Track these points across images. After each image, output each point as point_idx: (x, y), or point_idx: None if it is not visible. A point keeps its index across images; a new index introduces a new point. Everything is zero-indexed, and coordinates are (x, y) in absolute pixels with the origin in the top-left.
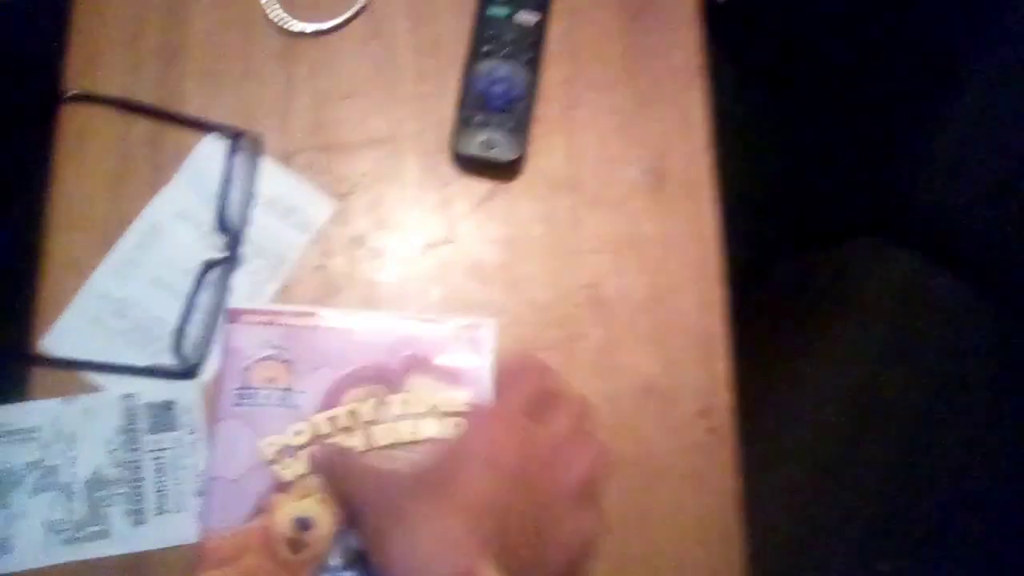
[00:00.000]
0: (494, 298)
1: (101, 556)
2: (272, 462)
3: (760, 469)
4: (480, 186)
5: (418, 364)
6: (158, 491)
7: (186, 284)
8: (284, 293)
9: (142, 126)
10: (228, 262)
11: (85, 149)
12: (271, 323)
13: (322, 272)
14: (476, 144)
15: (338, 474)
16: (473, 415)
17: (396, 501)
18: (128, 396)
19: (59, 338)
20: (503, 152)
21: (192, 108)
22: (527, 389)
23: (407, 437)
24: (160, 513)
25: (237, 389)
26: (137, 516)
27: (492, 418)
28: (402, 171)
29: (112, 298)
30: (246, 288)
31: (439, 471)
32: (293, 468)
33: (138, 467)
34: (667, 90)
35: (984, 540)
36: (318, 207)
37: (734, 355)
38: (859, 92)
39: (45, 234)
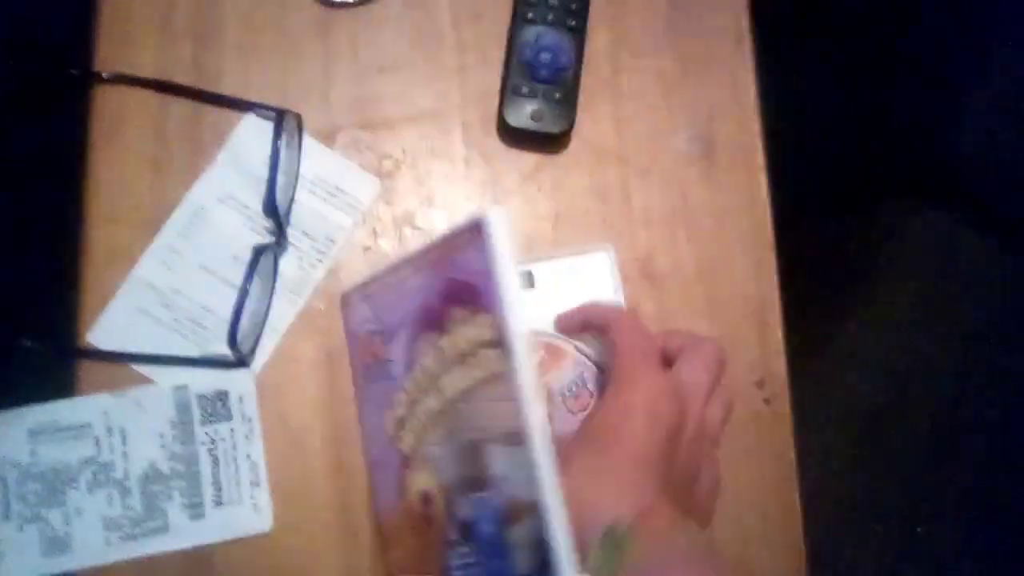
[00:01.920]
0: None
1: (162, 551)
2: (395, 437)
3: (802, 434)
4: (527, 159)
5: (449, 295)
6: (214, 483)
7: (233, 270)
8: (332, 276)
9: (179, 107)
10: (277, 246)
11: (121, 133)
12: (364, 298)
13: (371, 253)
14: (524, 116)
15: None
16: (624, 369)
17: (563, 451)
18: (180, 387)
19: (106, 330)
20: (552, 124)
21: (229, 86)
22: (657, 341)
23: (465, 385)
24: (218, 505)
25: (360, 372)
26: (195, 509)
27: (644, 371)
28: (447, 146)
29: (158, 288)
30: (294, 272)
31: (601, 426)
32: (407, 441)
33: (193, 459)
34: (714, 53)
35: (1019, 502)
36: (363, 186)
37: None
38: (890, 54)
39: (85, 223)
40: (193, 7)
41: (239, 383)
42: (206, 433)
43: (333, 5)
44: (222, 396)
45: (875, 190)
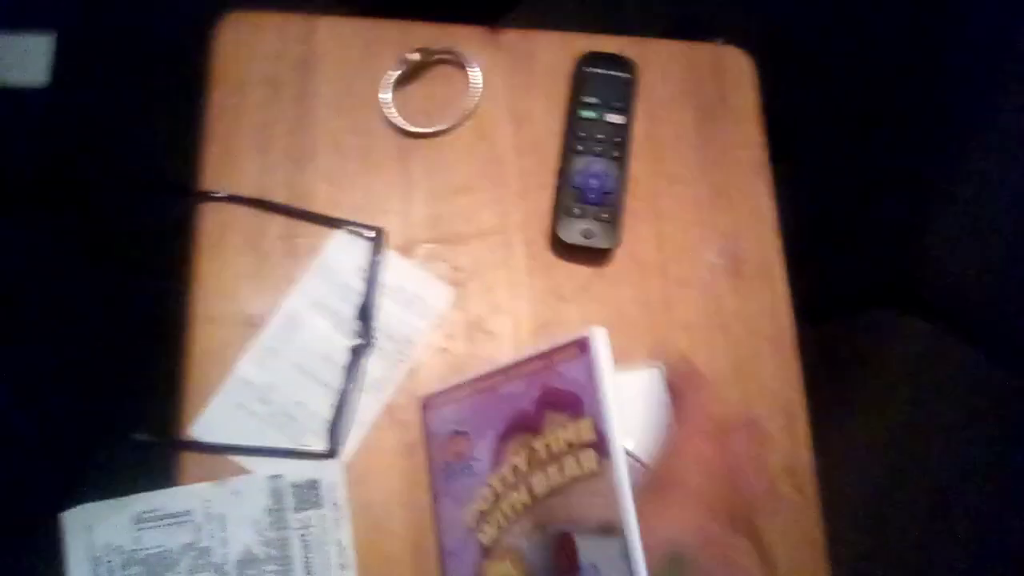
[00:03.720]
0: None
1: None
2: (475, 530)
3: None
4: (580, 272)
5: (546, 401)
6: (306, 567)
7: (323, 369)
8: (412, 374)
9: (276, 223)
10: (367, 348)
11: (224, 245)
12: (448, 401)
13: (445, 354)
14: (577, 234)
15: None
16: (685, 420)
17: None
18: (275, 477)
19: (208, 424)
20: (601, 241)
21: (319, 205)
22: (708, 407)
23: (555, 481)
24: None
25: (441, 469)
26: None
27: (701, 421)
28: (511, 259)
29: (256, 385)
30: (379, 371)
31: (668, 470)
32: (488, 533)
33: (287, 544)
34: (737, 182)
35: None
36: (438, 294)
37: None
38: (873, 167)
39: (189, 325)
40: (289, 136)
41: (329, 472)
42: (299, 520)
43: (411, 135)
44: (314, 485)
45: (861, 300)
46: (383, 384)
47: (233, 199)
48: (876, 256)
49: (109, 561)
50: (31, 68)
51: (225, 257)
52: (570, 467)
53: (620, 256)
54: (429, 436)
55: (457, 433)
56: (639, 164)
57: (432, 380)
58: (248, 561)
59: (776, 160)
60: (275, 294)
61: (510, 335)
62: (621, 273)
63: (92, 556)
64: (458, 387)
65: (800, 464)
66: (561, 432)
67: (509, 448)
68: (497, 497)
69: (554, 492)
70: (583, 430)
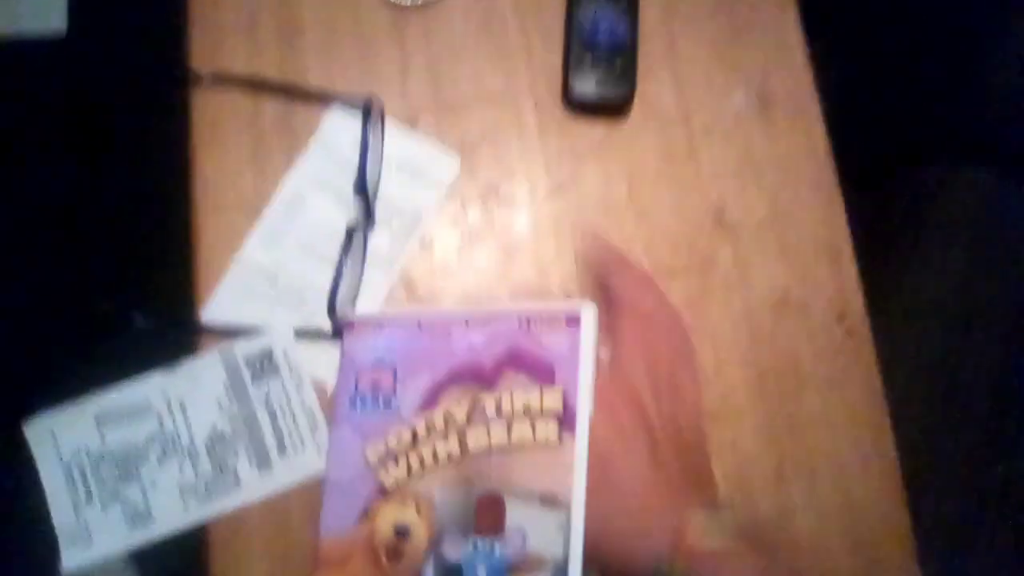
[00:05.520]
0: (625, 229)
1: (237, 506)
2: (376, 467)
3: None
4: (597, 128)
5: (512, 360)
6: (275, 434)
7: (330, 248)
8: (427, 245)
9: (271, 104)
10: (366, 224)
11: (221, 130)
12: (380, 329)
13: (460, 223)
14: (589, 87)
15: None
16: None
17: None
18: (227, 353)
19: (219, 306)
20: (615, 92)
21: (314, 82)
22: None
23: (499, 441)
24: (283, 453)
25: (349, 396)
26: (262, 461)
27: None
28: (521, 121)
29: (263, 267)
30: (387, 246)
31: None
32: (394, 475)
33: (252, 416)
34: (762, 16)
35: None
36: (446, 164)
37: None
38: (924, 18)
39: (195, 215)
40: (276, 15)
41: (280, 339)
42: (259, 390)
43: (402, 7)
44: (266, 354)
45: (914, 158)
46: (393, 259)
47: (224, 79)
48: (926, 110)
49: (79, 464)
50: (49, 16)
51: (223, 143)
52: (522, 432)
53: (637, 108)
54: (345, 359)
55: (381, 365)
56: (649, 8)
57: (449, 251)
58: (217, 439)
59: (813, 37)
60: (275, 176)
61: (526, 198)
62: (639, 125)
63: (62, 461)
64: (397, 318)
65: (850, 308)
66: (520, 395)
67: (447, 395)
68: (415, 440)
69: (493, 451)
70: (550, 399)
